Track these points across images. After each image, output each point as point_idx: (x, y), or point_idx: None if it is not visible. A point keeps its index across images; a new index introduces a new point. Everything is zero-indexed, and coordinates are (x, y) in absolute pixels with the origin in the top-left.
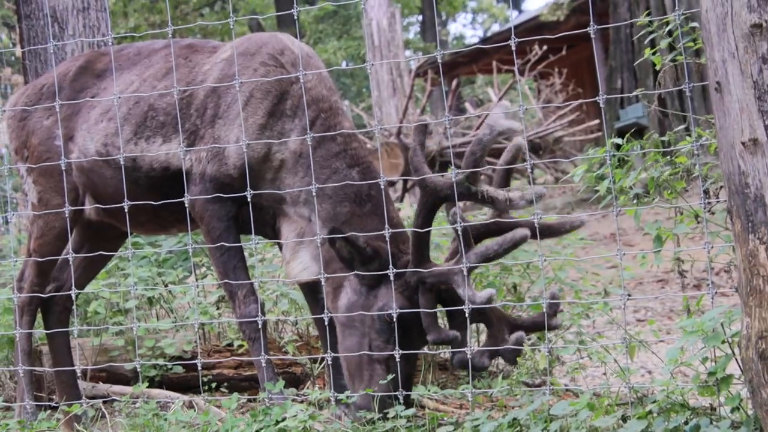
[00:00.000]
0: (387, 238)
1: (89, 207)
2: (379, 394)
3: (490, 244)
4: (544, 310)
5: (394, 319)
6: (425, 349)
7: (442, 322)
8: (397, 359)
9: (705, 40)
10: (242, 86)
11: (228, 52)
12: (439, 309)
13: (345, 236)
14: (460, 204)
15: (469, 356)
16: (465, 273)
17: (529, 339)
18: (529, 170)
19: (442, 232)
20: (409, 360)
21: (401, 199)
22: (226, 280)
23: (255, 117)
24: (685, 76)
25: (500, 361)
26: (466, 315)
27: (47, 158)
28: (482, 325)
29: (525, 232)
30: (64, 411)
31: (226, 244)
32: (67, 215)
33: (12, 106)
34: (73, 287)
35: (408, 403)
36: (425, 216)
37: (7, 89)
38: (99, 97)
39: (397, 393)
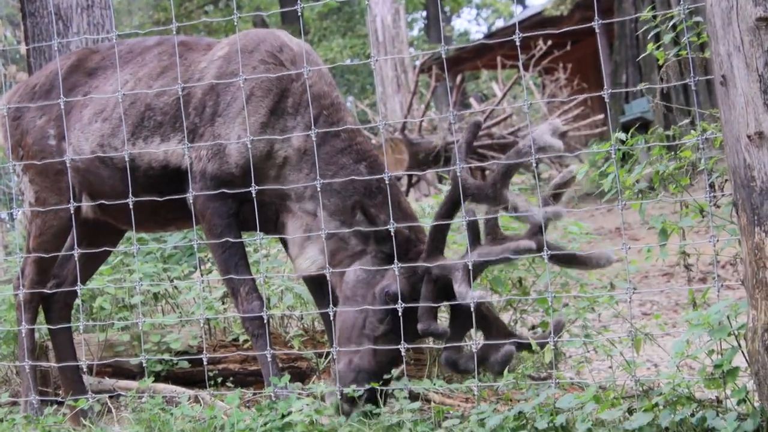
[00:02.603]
0: (395, 228)
1: (86, 206)
2: (389, 388)
3: (495, 247)
4: (552, 337)
5: (400, 307)
6: (431, 344)
7: (446, 318)
8: (403, 352)
9: (710, 33)
10: (241, 85)
11: (225, 49)
12: (442, 303)
13: (365, 208)
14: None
15: (475, 345)
16: (468, 268)
17: (535, 332)
18: (534, 165)
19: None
20: (396, 342)
21: (406, 194)
22: (230, 276)
23: (257, 115)
24: (690, 71)
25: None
26: (471, 310)
27: (42, 158)
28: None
29: (530, 244)
30: (70, 406)
31: (230, 240)
32: (68, 214)
33: (5, 105)
34: (78, 283)
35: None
36: (447, 209)
37: (11, 87)
38: (91, 95)
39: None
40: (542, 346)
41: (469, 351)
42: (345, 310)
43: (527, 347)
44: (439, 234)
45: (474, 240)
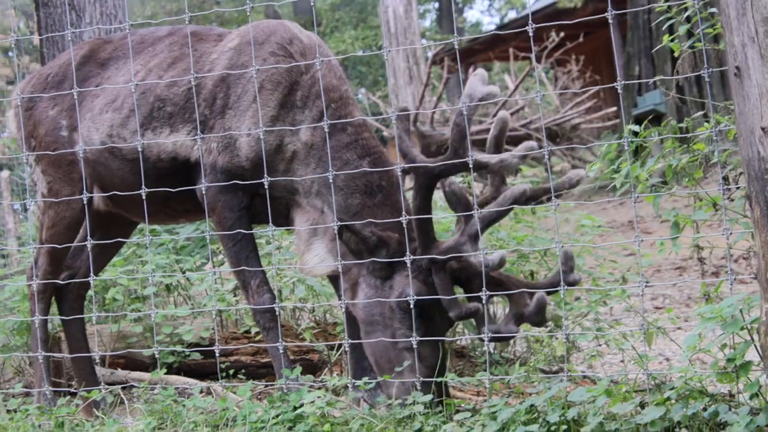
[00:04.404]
0: (404, 226)
1: (98, 197)
2: (407, 380)
3: (490, 206)
4: (560, 266)
5: (411, 306)
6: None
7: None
8: (414, 345)
9: (724, 24)
10: (252, 77)
11: (235, 40)
12: (460, 295)
13: (349, 225)
14: (460, 182)
15: (486, 337)
16: (475, 236)
17: (547, 327)
18: (546, 157)
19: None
20: (438, 344)
21: None
22: (240, 269)
23: (266, 108)
24: (704, 62)
25: (517, 347)
26: (483, 287)
27: (54, 148)
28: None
29: (522, 186)
30: (83, 397)
31: (241, 232)
32: (80, 205)
33: (19, 95)
34: (91, 274)
35: (442, 390)
36: (423, 198)
37: (25, 77)
38: (102, 86)
39: (434, 380)
40: (553, 285)
41: (505, 317)
42: (371, 336)
43: (555, 286)
44: (426, 225)
45: (467, 209)
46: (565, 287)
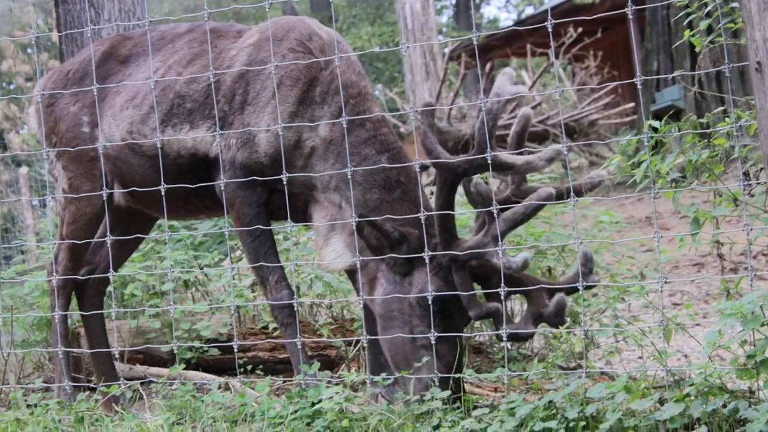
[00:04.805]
0: (423, 222)
1: (118, 193)
2: (426, 377)
3: (516, 207)
4: (579, 267)
5: (430, 302)
6: (464, 330)
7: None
8: (433, 341)
9: (745, 19)
10: (271, 73)
11: (254, 36)
12: (478, 291)
13: (371, 220)
14: (482, 179)
15: (505, 336)
16: (499, 245)
17: (565, 323)
18: (565, 153)
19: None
20: (455, 341)
21: (434, 182)
22: (259, 264)
23: (285, 105)
24: (724, 57)
25: (535, 344)
26: (501, 294)
27: (75, 144)
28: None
29: (549, 190)
30: (102, 392)
31: (259, 228)
32: (101, 201)
33: (40, 92)
34: (111, 269)
35: (459, 387)
36: (446, 195)
37: (44, 74)
38: (124, 82)
39: (451, 376)
40: (571, 292)
41: (524, 316)
42: (388, 331)
43: (575, 290)
44: (447, 222)
45: (490, 210)
46: (584, 288)
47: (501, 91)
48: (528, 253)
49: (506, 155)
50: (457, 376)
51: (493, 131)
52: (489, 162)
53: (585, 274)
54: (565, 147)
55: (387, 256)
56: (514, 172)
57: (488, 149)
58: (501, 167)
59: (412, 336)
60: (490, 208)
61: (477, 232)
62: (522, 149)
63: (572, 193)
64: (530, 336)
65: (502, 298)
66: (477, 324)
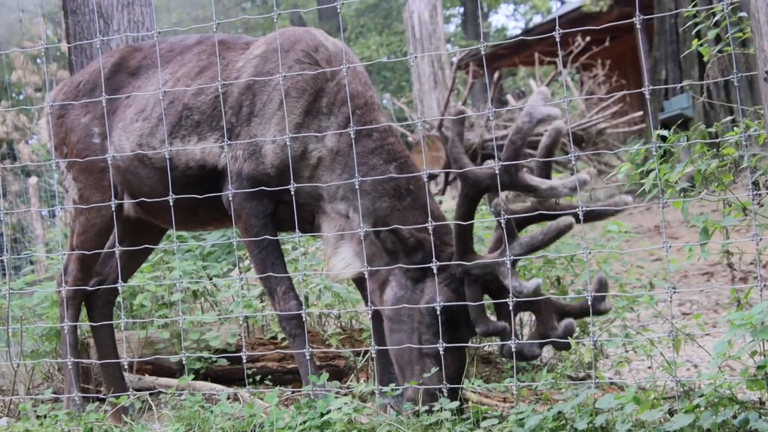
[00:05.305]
0: (430, 231)
1: (128, 204)
2: (427, 386)
3: (534, 233)
4: (589, 297)
5: (438, 312)
6: (470, 342)
7: (490, 312)
8: (441, 351)
9: (754, 29)
10: (277, 84)
11: (261, 48)
12: (487, 301)
13: (390, 228)
14: (503, 194)
15: (513, 348)
16: (509, 264)
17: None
18: (573, 162)
19: (485, 225)
20: (460, 353)
21: (443, 191)
22: (267, 275)
23: (292, 116)
24: (732, 67)
25: (544, 354)
26: (510, 307)
27: (86, 155)
28: (531, 315)
29: (569, 220)
30: (111, 403)
31: (268, 238)
32: (110, 212)
33: (50, 103)
34: (120, 280)
35: (458, 397)
36: (467, 207)
37: (53, 85)
38: (133, 94)
39: (450, 386)
40: (583, 311)
41: (530, 336)
42: (394, 335)
43: (585, 314)
44: (465, 234)
45: (510, 231)
46: (594, 314)
47: (533, 111)
48: (540, 280)
49: (531, 178)
50: (457, 386)
51: (521, 149)
52: (514, 182)
53: (597, 300)
54: (573, 156)
55: (398, 266)
56: (537, 195)
57: (516, 169)
58: (524, 189)
59: (418, 341)
60: (506, 257)
61: (494, 248)
62: (550, 159)
63: (580, 202)
64: (535, 357)
65: (510, 309)
66: None
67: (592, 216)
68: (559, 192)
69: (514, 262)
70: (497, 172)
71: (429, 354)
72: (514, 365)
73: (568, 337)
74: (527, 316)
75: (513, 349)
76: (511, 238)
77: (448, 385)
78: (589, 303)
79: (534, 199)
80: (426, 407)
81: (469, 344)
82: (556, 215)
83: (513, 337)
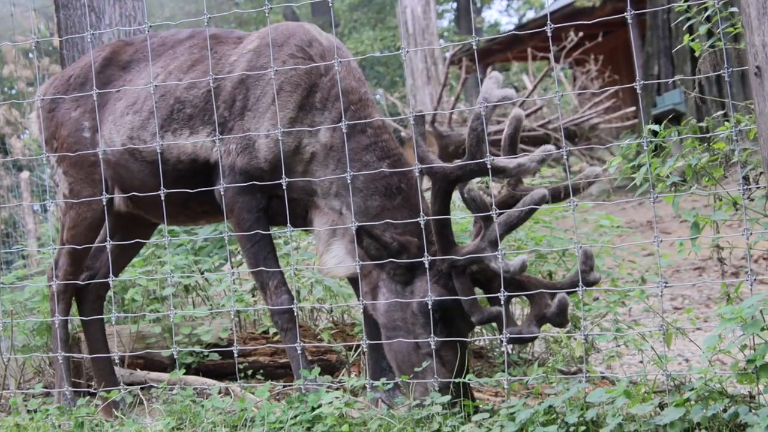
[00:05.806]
0: (422, 227)
1: (119, 198)
2: (422, 381)
3: (510, 211)
4: (579, 266)
5: (430, 308)
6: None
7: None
8: (433, 346)
9: (745, 24)
10: (270, 79)
11: (254, 42)
12: (480, 296)
13: (370, 232)
14: (477, 183)
15: (505, 338)
16: (499, 249)
17: (565, 327)
18: (565, 157)
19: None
20: (459, 349)
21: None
22: (259, 269)
23: (285, 110)
24: (724, 62)
25: (536, 348)
26: (502, 288)
27: (76, 150)
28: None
29: (542, 191)
30: (102, 397)
31: (260, 233)
32: (101, 206)
33: (41, 96)
34: (111, 275)
35: (465, 393)
36: (441, 202)
37: (45, 79)
38: (124, 88)
39: (458, 381)
40: (573, 291)
41: (526, 318)
42: (393, 339)
43: (575, 286)
44: (444, 228)
45: (486, 215)
46: (585, 288)
47: (488, 96)
48: (525, 256)
49: (498, 159)
50: (458, 380)
51: (482, 135)
52: (481, 166)
53: (585, 273)
54: (565, 151)
55: (387, 261)
56: (507, 175)
57: (481, 154)
58: (494, 171)
59: (416, 343)
60: (489, 213)
61: (475, 237)
62: (515, 151)
63: (572, 196)
64: (533, 339)
65: (503, 302)
66: (478, 328)
67: (567, 192)
68: (528, 167)
69: (495, 243)
70: (465, 161)
71: (430, 353)
72: (506, 359)
73: (563, 326)
74: (519, 311)
75: (504, 339)
76: (488, 221)
77: (455, 380)
78: (580, 270)
79: (508, 186)
80: (419, 402)
81: (465, 339)
82: (526, 192)
83: (504, 325)
